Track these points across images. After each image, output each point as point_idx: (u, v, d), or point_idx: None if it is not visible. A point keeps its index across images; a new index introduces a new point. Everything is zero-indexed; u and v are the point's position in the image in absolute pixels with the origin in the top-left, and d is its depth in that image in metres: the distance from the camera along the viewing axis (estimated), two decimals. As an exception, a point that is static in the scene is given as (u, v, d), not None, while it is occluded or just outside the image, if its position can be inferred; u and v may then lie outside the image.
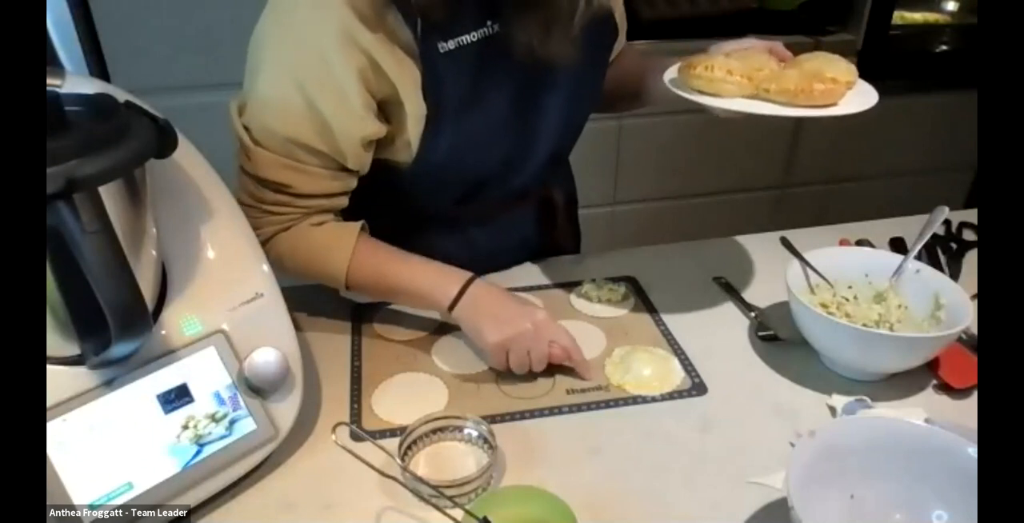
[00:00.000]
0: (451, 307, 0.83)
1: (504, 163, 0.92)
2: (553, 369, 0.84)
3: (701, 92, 0.83)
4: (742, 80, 0.81)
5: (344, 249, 0.85)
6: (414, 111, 0.81)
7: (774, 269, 0.90)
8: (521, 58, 0.83)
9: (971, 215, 1.17)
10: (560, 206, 1.09)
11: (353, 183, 0.88)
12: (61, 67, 1.37)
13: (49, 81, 0.64)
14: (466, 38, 0.80)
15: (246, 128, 0.82)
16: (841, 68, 0.84)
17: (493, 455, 0.70)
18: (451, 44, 0.79)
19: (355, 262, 0.85)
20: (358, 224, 0.87)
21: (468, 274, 0.85)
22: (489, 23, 0.81)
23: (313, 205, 0.86)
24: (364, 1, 0.74)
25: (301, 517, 0.68)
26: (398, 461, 0.69)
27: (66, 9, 1.47)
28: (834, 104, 0.80)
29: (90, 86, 0.66)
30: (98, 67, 1.55)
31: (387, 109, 0.83)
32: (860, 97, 0.83)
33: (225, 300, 0.70)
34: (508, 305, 0.83)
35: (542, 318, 0.82)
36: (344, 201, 0.89)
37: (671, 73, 0.88)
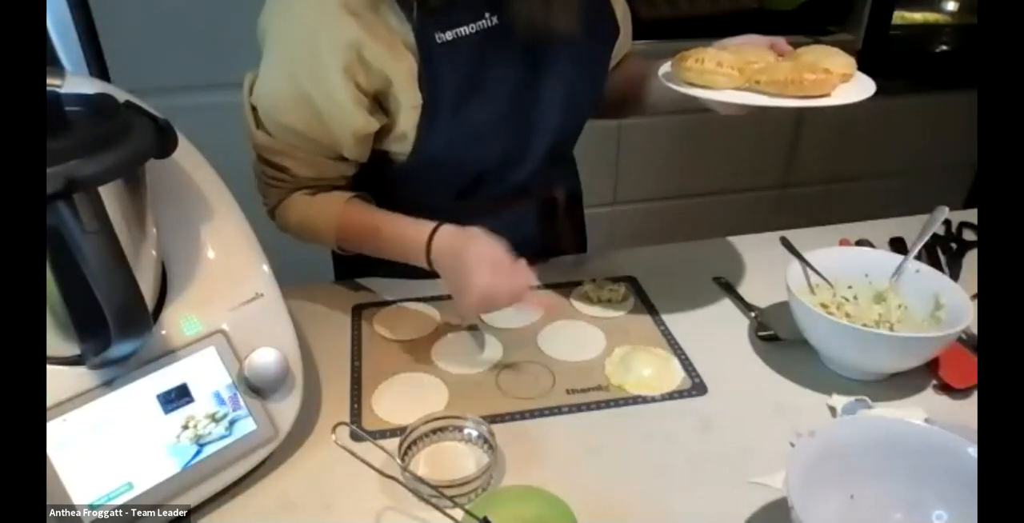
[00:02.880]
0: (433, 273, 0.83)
1: (502, 157, 0.93)
2: (553, 370, 0.84)
3: (693, 85, 0.83)
4: (732, 72, 0.81)
5: (330, 220, 0.89)
6: (409, 102, 0.82)
7: (774, 269, 0.90)
8: (520, 46, 0.84)
9: (971, 215, 1.17)
10: (562, 205, 1.09)
11: (350, 171, 0.91)
12: (61, 67, 1.38)
13: (49, 81, 0.64)
14: (464, 29, 0.81)
15: (254, 108, 0.86)
16: (838, 61, 0.83)
17: (493, 455, 0.70)
18: (449, 35, 0.80)
19: (340, 232, 0.89)
20: (346, 194, 0.90)
21: (424, 238, 0.81)
22: (488, 15, 0.82)
23: (306, 186, 0.90)
24: None
25: (301, 517, 0.68)
26: (398, 461, 0.69)
27: (66, 9, 1.48)
28: (827, 95, 0.80)
29: (90, 86, 0.66)
30: (98, 67, 1.55)
31: (383, 101, 0.84)
32: (856, 88, 0.83)
33: (225, 300, 0.70)
34: (459, 275, 0.79)
35: (480, 290, 0.76)
36: (343, 183, 0.92)
37: (665, 68, 0.88)
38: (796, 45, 0.89)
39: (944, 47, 2.18)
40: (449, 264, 0.81)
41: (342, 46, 0.77)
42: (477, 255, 0.78)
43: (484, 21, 0.82)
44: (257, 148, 0.88)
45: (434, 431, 0.73)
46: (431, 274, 1.01)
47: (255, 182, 0.94)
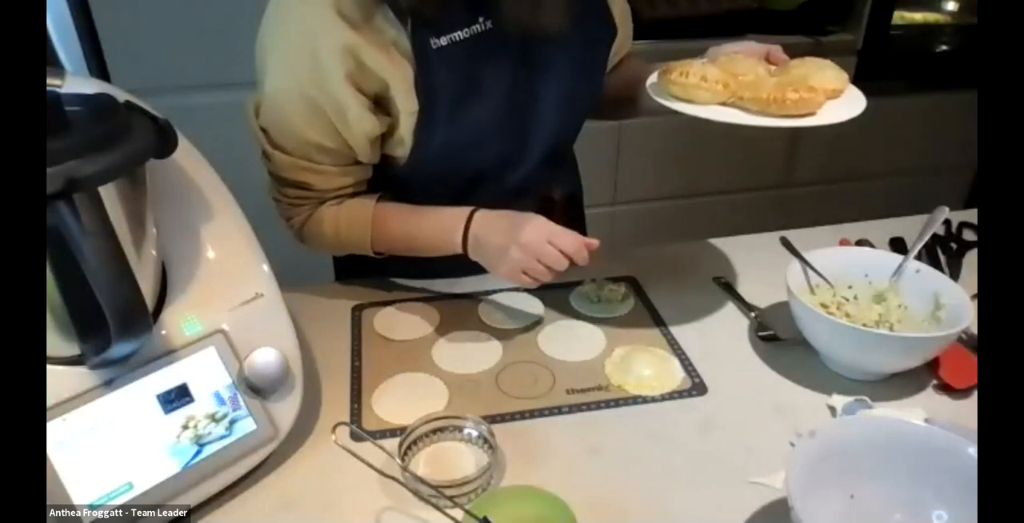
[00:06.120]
0: (465, 252, 0.86)
1: (499, 159, 0.93)
2: (553, 370, 0.84)
3: (678, 98, 0.83)
4: (716, 86, 0.81)
5: (363, 223, 0.90)
6: (406, 107, 0.83)
7: (774, 269, 0.90)
8: (516, 49, 0.84)
9: (971, 215, 1.17)
10: (560, 206, 1.09)
11: (369, 172, 0.92)
12: (61, 67, 1.38)
13: (49, 81, 0.64)
14: (458, 34, 0.81)
15: (264, 131, 0.86)
16: (828, 76, 0.83)
17: (493, 455, 0.70)
18: (443, 41, 0.80)
19: (375, 233, 0.90)
20: (374, 197, 0.91)
21: (464, 217, 0.86)
22: (481, 19, 0.82)
23: (331, 197, 0.90)
24: (350, 3, 0.76)
25: (301, 517, 0.68)
26: (398, 461, 0.69)
27: (66, 9, 1.47)
28: (812, 114, 0.79)
29: (90, 86, 0.66)
30: (98, 67, 1.55)
31: (384, 104, 0.84)
32: (844, 106, 0.82)
33: (225, 300, 0.70)
34: (499, 236, 0.83)
35: (526, 238, 0.81)
36: (363, 188, 0.93)
37: (652, 78, 0.88)
38: (795, 47, 0.88)
39: (944, 47, 2.18)
40: (495, 227, 0.84)
41: (340, 52, 0.77)
42: (523, 219, 0.83)
43: (478, 25, 0.82)
44: (276, 169, 0.87)
45: (434, 431, 0.73)
46: (431, 274, 1.02)
47: (274, 207, 0.93)
